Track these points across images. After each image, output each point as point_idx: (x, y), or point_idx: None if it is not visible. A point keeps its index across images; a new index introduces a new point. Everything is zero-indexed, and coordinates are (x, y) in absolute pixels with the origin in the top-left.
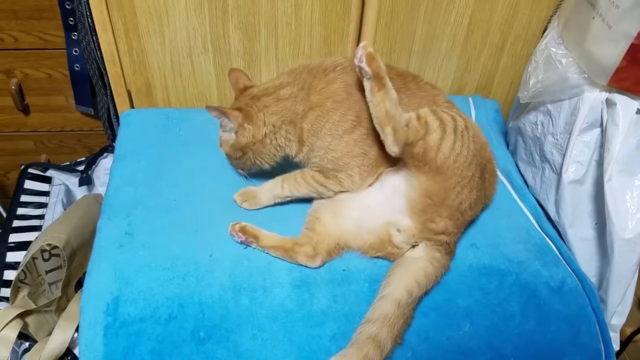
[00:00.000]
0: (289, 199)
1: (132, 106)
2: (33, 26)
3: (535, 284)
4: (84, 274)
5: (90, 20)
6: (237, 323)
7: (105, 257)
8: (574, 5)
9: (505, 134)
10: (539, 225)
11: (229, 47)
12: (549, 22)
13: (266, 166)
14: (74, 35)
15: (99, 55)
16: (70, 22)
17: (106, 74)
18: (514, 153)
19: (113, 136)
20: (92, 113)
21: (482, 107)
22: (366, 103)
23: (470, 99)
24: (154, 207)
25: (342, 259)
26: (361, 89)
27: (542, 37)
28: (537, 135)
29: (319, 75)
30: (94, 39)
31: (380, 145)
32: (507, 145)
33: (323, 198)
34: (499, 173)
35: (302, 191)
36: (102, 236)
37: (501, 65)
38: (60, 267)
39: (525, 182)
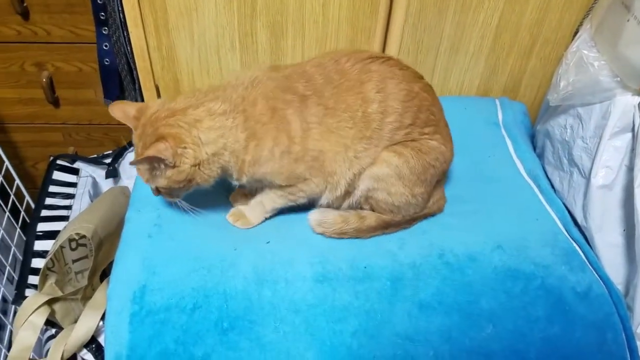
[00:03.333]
0: (276, 212)
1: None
2: (65, 20)
3: (561, 289)
4: (109, 264)
5: (121, 16)
6: (260, 315)
7: (133, 246)
8: (608, 8)
9: (533, 137)
10: (566, 230)
11: (256, 45)
12: (580, 24)
13: (210, 184)
14: (105, 30)
15: (128, 50)
16: (102, 17)
17: (135, 68)
18: (541, 156)
19: None
20: None
21: (509, 110)
22: (291, 113)
23: (497, 101)
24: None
25: (364, 255)
26: (281, 95)
27: (572, 39)
28: (566, 138)
29: (246, 95)
30: (125, 34)
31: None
32: (535, 148)
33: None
34: (526, 176)
35: (281, 203)
36: (131, 226)
37: (529, 67)
38: (86, 256)
39: (552, 186)
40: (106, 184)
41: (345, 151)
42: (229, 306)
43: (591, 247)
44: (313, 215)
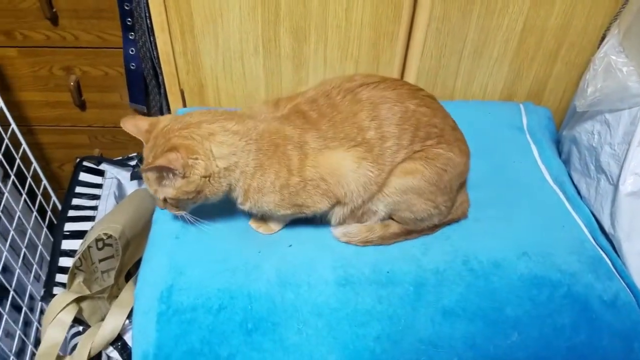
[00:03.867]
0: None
1: (184, 105)
2: (93, 25)
3: (587, 297)
4: (134, 264)
5: (148, 21)
6: (283, 317)
7: (161, 247)
8: (637, 13)
9: (558, 143)
10: (593, 237)
11: (279, 50)
12: (607, 29)
13: (218, 198)
14: (131, 35)
15: (154, 55)
16: (128, 23)
17: (161, 73)
18: (567, 162)
19: None
20: (145, 111)
21: (534, 115)
22: (291, 149)
23: (521, 106)
24: (209, 214)
25: (386, 260)
26: (282, 131)
27: (600, 45)
28: (594, 145)
29: (257, 127)
30: (151, 39)
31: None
32: (560, 154)
33: None
34: (551, 183)
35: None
36: (158, 228)
37: (554, 72)
38: (112, 256)
39: (579, 193)
40: (131, 186)
41: (351, 174)
42: (253, 308)
43: (618, 255)
44: (338, 228)
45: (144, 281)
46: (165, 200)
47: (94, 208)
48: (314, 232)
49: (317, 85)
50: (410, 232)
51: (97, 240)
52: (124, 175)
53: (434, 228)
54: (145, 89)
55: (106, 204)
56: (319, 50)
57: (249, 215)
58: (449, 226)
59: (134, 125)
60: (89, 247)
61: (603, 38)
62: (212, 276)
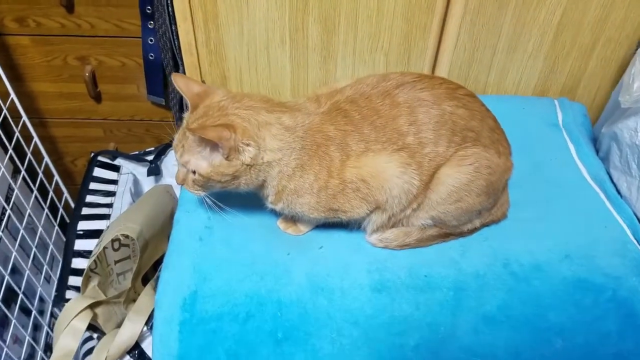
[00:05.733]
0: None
1: None
2: (110, 13)
3: (633, 302)
4: (152, 266)
5: (170, 9)
6: (316, 325)
7: (184, 250)
8: None
9: (594, 140)
10: (636, 239)
11: (306, 41)
12: None
13: (247, 189)
14: (150, 24)
15: (175, 44)
16: (148, 11)
17: (182, 63)
18: (605, 160)
19: None
20: (163, 103)
21: (569, 111)
22: (333, 150)
23: (556, 102)
24: (234, 202)
25: (423, 263)
26: (325, 130)
27: None
28: (637, 142)
29: (303, 124)
30: (172, 28)
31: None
32: (597, 151)
33: None
34: (590, 181)
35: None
36: (181, 229)
37: (589, 68)
38: (128, 257)
39: (619, 192)
40: (148, 182)
41: (395, 179)
42: (283, 315)
43: None
44: (373, 235)
45: (165, 287)
46: (192, 173)
47: (109, 205)
48: (346, 234)
49: (354, 84)
50: (449, 234)
51: (113, 240)
52: (140, 171)
53: (474, 230)
54: (164, 80)
55: (122, 201)
56: (349, 42)
57: (276, 213)
58: (487, 228)
59: (186, 84)
60: (104, 248)
61: None
62: (238, 281)
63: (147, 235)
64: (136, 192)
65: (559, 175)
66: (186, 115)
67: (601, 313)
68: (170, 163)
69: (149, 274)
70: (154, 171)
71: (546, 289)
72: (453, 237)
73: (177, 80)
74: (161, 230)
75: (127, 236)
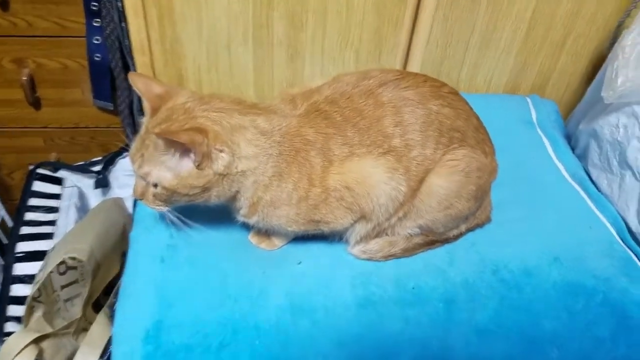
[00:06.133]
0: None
1: None
2: (50, 11)
3: (624, 303)
4: (103, 291)
5: (119, 4)
6: (300, 351)
7: (144, 274)
8: None
9: (568, 137)
10: (621, 238)
11: (271, 38)
12: (627, 15)
13: (216, 203)
14: (96, 21)
15: (126, 43)
16: (93, 7)
17: (133, 64)
18: (582, 158)
19: (133, 134)
20: (111, 108)
21: (542, 108)
22: (314, 155)
23: (528, 99)
24: (199, 216)
25: (410, 274)
26: (304, 134)
27: (615, 33)
28: (618, 139)
29: (280, 127)
30: (122, 25)
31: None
32: (572, 149)
33: None
34: (570, 180)
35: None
36: (139, 249)
37: (559, 64)
38: (76, 281)
39: (599, 190)
40: (95, 196)
41: (382, 185)
42: (262, 342)
43: None
44: (356, 247)
45: (123, 317)
46: (154, 186)
47: (52, 223)
48: (326, 246)
49: (332, 83)
50: (434, 241)
51: (58, 264)
52: (86, 183)
53: (459, 235)
54: (112, 83)
55: (67, 218)
56: (317, 38)
57: (247, 226)
58: (472, 232)
59: (145, 84)
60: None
61: (619, 26)
62: (209, 307)
63: (98, 257)
64: (82, 207)
65: (538, 175)
66: (145, 119)
67: (593, 318)
68: (120, 174)
69: (101, 299)
70: (102, 183)
71: (538, 295)
72: (439, 244)
73: (135, 80)
74: (113, 249)
75: (75, 258)
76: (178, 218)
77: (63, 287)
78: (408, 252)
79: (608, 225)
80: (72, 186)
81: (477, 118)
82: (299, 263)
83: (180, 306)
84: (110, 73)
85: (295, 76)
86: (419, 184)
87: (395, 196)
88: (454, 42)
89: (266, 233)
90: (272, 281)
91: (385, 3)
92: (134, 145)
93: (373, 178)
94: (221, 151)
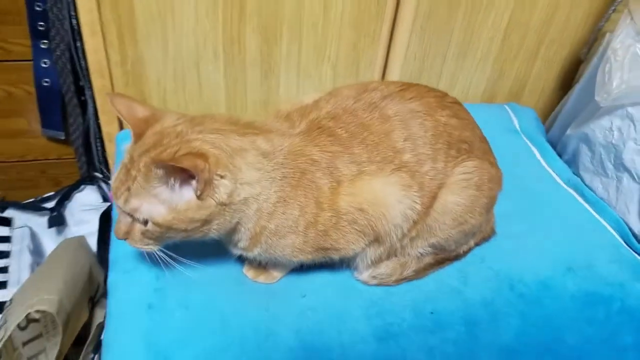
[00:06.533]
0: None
1: (121, 127)
2: None
3: None
4: (73, 344)
5: (73, 22)
6: None
7: (130, 325)
8: None
9: (552, 144)
10: (625, 242)
11: (244, 55)
12: (607, 19)
13: (213, 237)
14: (44, 43)
15: (81, 65)
16: (40, 27)
17: (89, 88)
18: (572, 163)
19: (89, 164)
20: (63, 137)
21: (522, 115)
22: (320, 177)
23: (507, 107)
24: (186, 251)
25: (425, 298)
26: (308, 153)
27: (592, 38)
28: (613, 142)
29: (282, 146)
30: (76, 45)
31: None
32: (559, 154)
33: None
34: (565, 187)
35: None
36: (121, 296)
37: (534, 71)
38: (39, 335)
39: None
40: (49, 236)
41: (397, 205)
42: None
43: None
44: (365, 273)
45: None
46: (143, 223)
47: (4, 270)
48: (330, 275)
49: (329, 98)
50: (445, 260)
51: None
52: (37, 222)
53: (468, 251)
54: (63, 110)
55: (19, 263)
56: (292, 53)
57: (240, 259)
58: (479, 247)
59: (128, 106)
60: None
61: (599, 30)
62: (211, 355)
63: (68, 307)
64: (36, 250)
65: (532, 183)
66: (127, 147)
67: (615, 327)
68: (76, 209)
69: (71, 355)
70: (57, 221)
71: (557, 308)
72: (448, 262)
73: (115, 102)
74: (82, 296)
75: (44, 312)
76: (169, 256)
77: (25, 343)
78: (420, 273)
79: (610, 229)
80: (22, 226)
81: (479, 128)
82: (304, 296)
83: (177, 358)
84: (61, 99)
85: (270, 94)
86: (432, 200)
87: (410, 215)
88: (432, 55)
89: (262, 265)
90: (278, 319)
91: (362, 16)
92: (116, 177)
93: (388, 198)
94: (222, 177)
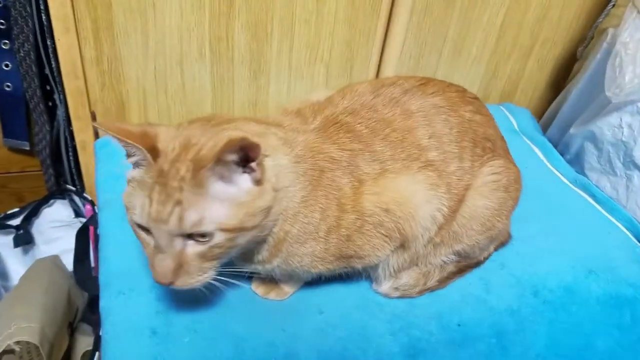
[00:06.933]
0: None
1: (96, 135)
2: None
3: None
4: None
5: (41, 18)
6: None
7: (131, 353)
8: None
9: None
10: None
11: (232, 53)
12: (606, 15)
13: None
14: (5, 43)
15: (51, 66)
16: (1, 26)
17: (61, 91)
18: (575, 163)
19: (57, 176)
20: (27, 148)
21: (519, 116)
22: (340, 175)
23: (502, 108)
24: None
25: (450, 309)
26: (327, 151)
27: (589, 35)
28: (623, 139)
29: (299, 140)
30: (45, 44)
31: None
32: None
33: None
34: (574, 187)
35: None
36: (117, 321)
37: (527, 70)
38: None
39: None
40: (15, 255)
41: (425, 206)
42: None
43: None
44: (385, 284)
45: None
46: (207, 238)
47: None
48: (344, 288)
49: (343, 93)
50: (466, 268)
51: None
52: (2, 242)
53: (488, 257)
54: (28, 117)
55: None
56: (284, 51)
57: (247, 275)
58: (496, 252)
59: (123, 129)
60: None
61: (597, 27)
62: None
63: (50, 336)
64: (0, 272)
65: (540, 185)
66: (135, 172)
67: None
68: (45, 226)
69: None
70: (24, 240)
71: (585, 313)
72: (469, 270)
73: (108, 128)
74: (62, 322)
75: (28, 343)
76: (221, 279)
77: None
78: (443, 282)
79: (623, 229)
80: None
81: (497, 126)
82: (322, 313)
83: None
84: (25, 105)
85: (259, 95)
86: (458, 204)
87: (438, 218)
88: (427, 53)
89: (272, 280)
90: (297, 339)
91: (357, 13)
92: (149, 204)
93: (416, 197)
94: (267, 156)
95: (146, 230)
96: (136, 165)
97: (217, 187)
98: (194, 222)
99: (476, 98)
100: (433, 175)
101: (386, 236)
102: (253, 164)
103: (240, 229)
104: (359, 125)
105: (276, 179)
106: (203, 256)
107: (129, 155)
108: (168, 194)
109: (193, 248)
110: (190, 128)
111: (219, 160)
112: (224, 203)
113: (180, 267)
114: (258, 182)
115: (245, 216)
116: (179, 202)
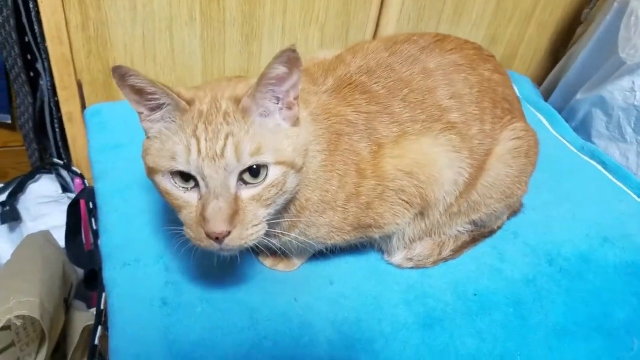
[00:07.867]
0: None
1: (83, 104)
2: None
3: None
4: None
5: None
6: None
7: (141, 327)
8: None
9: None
10: None
11: (222, 15)
12: None
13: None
14: None
15: (34, 32)
16: None
17: (45, 58)
18: (581, 130)
19: (41, 151)
20: (9, 121)
21: (522, 83)
22: (357, 140)
23: None
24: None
25: (465, 278)
26: (344, 113)
27: None
28: (635, 102)
29: (318, 102)
30: (27, 8)
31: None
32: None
33: None
34: (581, 155)
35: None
36: (124, 292)
37: (527, 35)
38: (11, 344)
39: None
40: (1, 232)
41: (446, 171)
42: None
43: None
44: (398, 254)
45: None
46: (251, 181)
47: None
48: (354, 259)
49: (353, 51)
50: (480, 237)
51: None
52: None
53: (501, 225)
54: (8, 90)
55: None
56: (277, 14)
57: (253, 250)
58: (508, 221)
59: (150, 80)
60: None
61: None
62: (241, 355)
63: (50, 310)
64: None
65: (548, 152)
66: (184, 114)
67: None
68: (31, 202)
69: None
70: (10, 216)
71: (602, 281)
72: (482, 239)
73: (141, 75)
74: (59, 297)
75: (25, 316)
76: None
77: None
78: (456, 252)
79: (635, 196)
80: None
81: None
82: (332, 283)
83: (200, 357)
84: (5, 76)
85: (251, 61)
86: (478, 170)
87: (459, 183)
88: (426, 17)
89: (282, 252)
90: (311, 310)
91: None
92: (197, 143)
93: (439, 158)
94: (295, 98)
95: (186, 182)
96: (160, 119)
97: (261, 120)
98: (252, 151)
99: (492, 56)
100: (456, 138)
101: (407, 202)
102: (291, 98)
103: (291, 165)
104: (375, 86)
105: (307, 126)
106: (258, 199)
107: (152, 110)
108: (215, 130)
109: (248, 191)
110: (208, 83)
111: (260, 84)
112: (274, 134)
113: (235, 213)
114: (295, 122)
115: (294, 152)
116: (230, 134)
